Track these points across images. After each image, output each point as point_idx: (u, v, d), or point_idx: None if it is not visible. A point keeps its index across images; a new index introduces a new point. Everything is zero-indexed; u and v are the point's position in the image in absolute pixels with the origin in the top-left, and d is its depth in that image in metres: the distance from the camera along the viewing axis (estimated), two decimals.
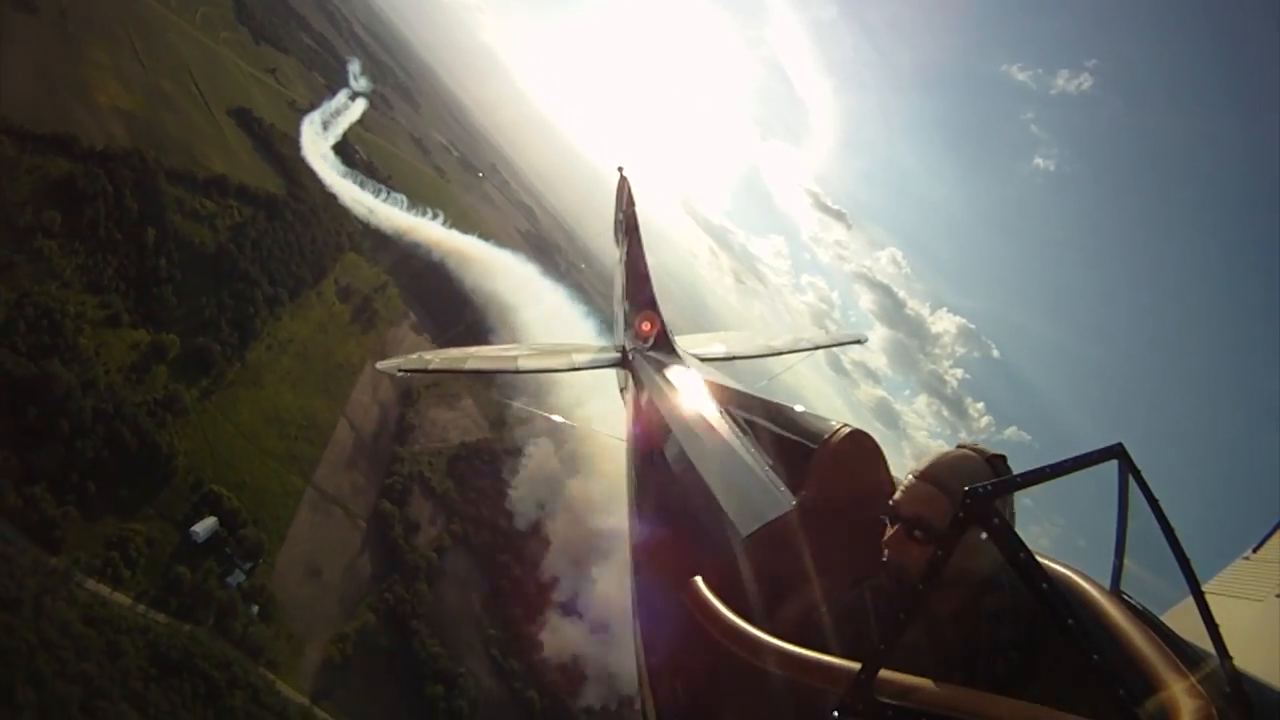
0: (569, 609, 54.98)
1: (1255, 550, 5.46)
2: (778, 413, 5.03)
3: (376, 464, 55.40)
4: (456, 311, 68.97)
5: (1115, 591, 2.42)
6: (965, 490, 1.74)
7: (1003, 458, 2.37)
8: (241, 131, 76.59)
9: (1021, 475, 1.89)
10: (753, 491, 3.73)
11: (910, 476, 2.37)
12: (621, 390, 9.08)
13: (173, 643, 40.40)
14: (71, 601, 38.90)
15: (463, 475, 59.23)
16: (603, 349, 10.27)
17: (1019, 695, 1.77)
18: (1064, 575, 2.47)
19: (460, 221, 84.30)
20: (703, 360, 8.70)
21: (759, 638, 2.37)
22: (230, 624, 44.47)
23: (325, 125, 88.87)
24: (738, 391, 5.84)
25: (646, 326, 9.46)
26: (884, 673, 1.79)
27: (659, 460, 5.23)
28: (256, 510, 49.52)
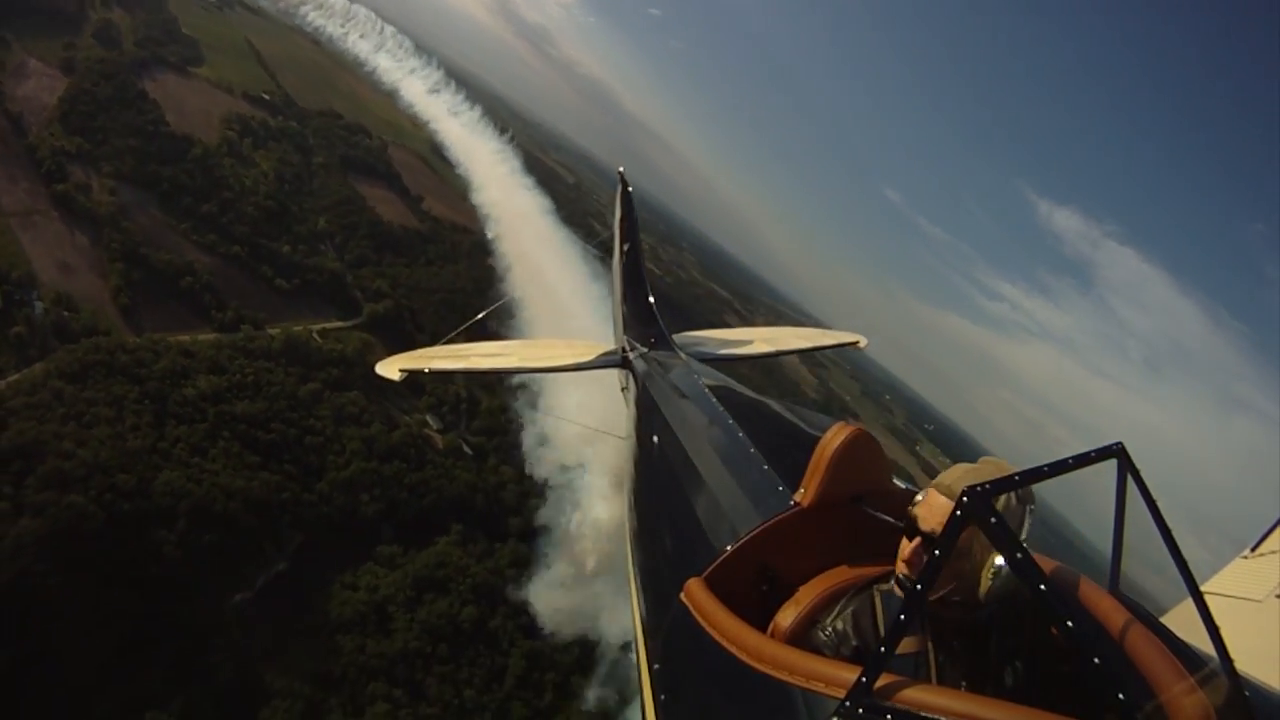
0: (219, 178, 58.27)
1: (1253, 550, 5.54)
2: (777, 411, 5.21)
3: (23, 164, 57.97)
4: None
5: (1114, 591, 2.39)
6: (962, 489, 1.76)
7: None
8: None
9: (1020, 474, 1.91)
10: (753, 491, 3.71)
11: (930, 489, 2.29)
12: (622, 390, 9.13)
13: (63, 361, 49.67)
14: None
15: (76, 126, 60.19)
16: (604, 350, 10.34)
17: (1023, 703, 1.73)
18: (1063, 575, 2.43)
19: None
20: (702, 360, 8.86)
21: (759, 640, 2.40)
22: (70, 328, 56.20)
23: None
24: (737, 391, 5.94)
25: (645, 328, 9.65)
26: (885, 677, 1.81)
27: (659, 460, 5.26)
28: (2, 260, 57.88)
